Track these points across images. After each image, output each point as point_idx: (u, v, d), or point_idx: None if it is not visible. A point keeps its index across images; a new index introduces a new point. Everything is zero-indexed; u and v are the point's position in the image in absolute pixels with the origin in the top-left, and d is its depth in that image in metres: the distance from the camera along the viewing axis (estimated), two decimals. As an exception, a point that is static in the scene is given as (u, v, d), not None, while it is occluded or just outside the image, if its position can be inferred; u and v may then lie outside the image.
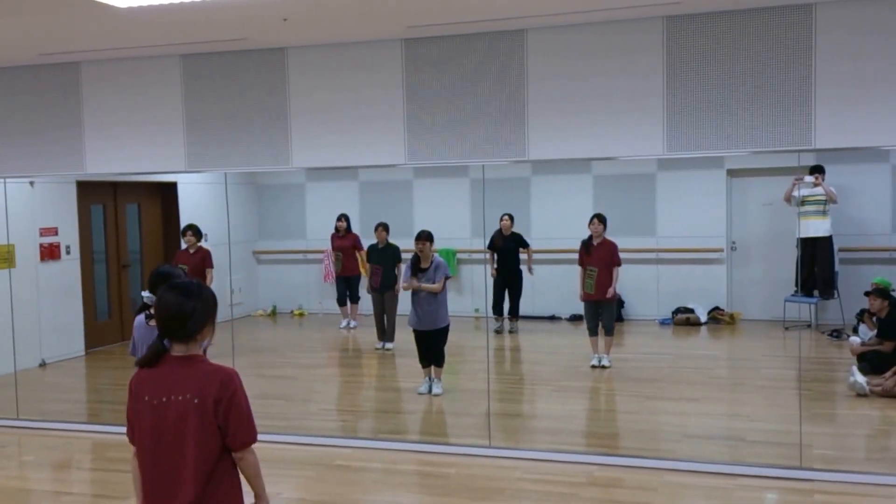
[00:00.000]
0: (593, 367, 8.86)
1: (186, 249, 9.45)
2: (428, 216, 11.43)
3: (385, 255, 9.99)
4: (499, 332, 10.74)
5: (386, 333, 10.05)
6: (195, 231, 9.47)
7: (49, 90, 7.43)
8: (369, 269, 10.15)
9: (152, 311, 4.56)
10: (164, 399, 3.01)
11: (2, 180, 7.90)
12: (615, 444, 6.79)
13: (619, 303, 8.77)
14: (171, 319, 3.05)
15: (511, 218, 10.52)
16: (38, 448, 7.02)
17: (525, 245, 10.53)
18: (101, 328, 10.34)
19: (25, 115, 7.52)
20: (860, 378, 7.65)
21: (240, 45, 6.77)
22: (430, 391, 8.01)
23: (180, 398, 2.99)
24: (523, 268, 10.57)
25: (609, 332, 8.96)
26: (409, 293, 7.98)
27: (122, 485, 6.05)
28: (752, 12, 5.78)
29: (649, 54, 6.02)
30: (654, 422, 7.29)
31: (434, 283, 7.82)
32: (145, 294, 4.67)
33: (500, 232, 10.51)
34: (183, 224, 9.83)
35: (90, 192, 10.20)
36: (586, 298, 8.97)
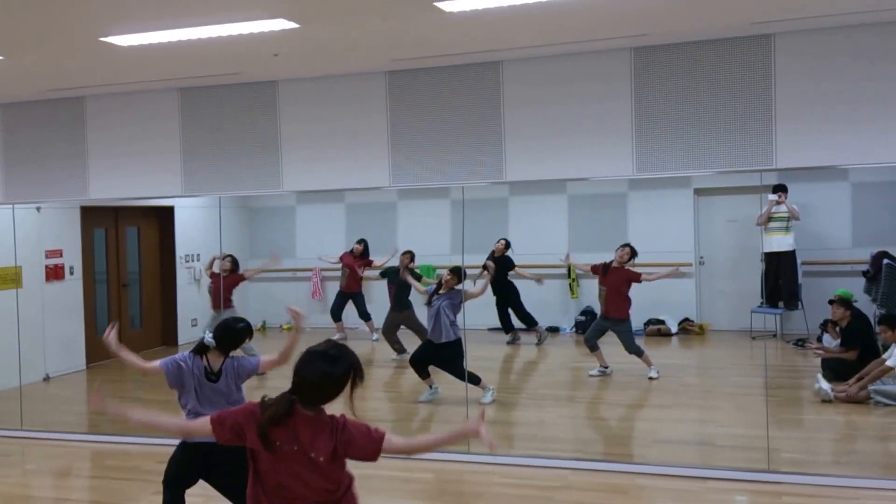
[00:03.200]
0: (591, 375, 8.94)
1: (218, 274, 9.47)
2: (411, 236, 11.45)
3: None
4: (512, 342, 10.80)
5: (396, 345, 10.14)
6: (232, 259, 9.54)
7: (56, 123, 7.49)
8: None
9: (211, 364, 4.50)
10: (291, 448, 3.00)
11: (11, 206, 7.92)
12: (589, 450, 6.79)
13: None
14: (317, 387, 3.00)
15: (506, 243, 10.60)
16: (41, 457, 7.01)
17: (512, 267, 10.59)
18: (102, 344, 10.28)
19: (34, 146, 7.58)
20: (825, 385, 7.67)
21: (234, 79, 6.83)
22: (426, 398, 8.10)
23: (301, 449, 3.00)
24: (515, 282, 10.66)
25: (634, 353, 8.83)
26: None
27: (119, 491, 6.07)
28: (714, 42, 5.87)
29: (619, 82, 6.10)
30: (627, 428, 7.32)
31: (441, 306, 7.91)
32: (208, 337, 4.53)
33: (492, 253, 10.60)
34: (180, 246, 9.82)
35: (93, 217, 10.21)
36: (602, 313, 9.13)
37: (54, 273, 9.62)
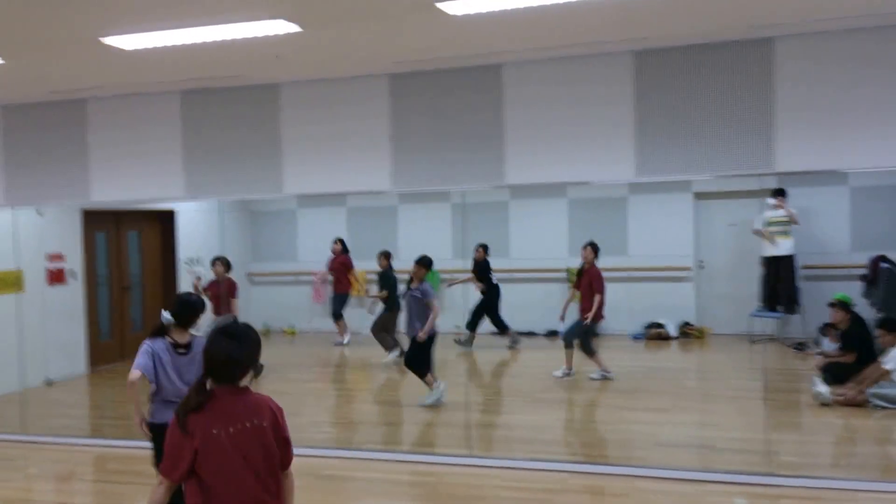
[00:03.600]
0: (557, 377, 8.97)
1: (216, 280, 9.39)
2: (412, 239, 11.44)
3: (391, 279, 10.15)
4: (461, 343, 10.80)
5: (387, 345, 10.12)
6: (224, 262, 9.38)
7: (58, 125, 7.46)
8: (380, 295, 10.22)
9: (177, 339, 4.64)
10: (238, 427, 2.99)
11: (11, 209, 7.89)
12: (590, 453, 6.78)
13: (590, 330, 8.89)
14: (222, 366, 3.03)
15: (484, 248, 10.60)
16: (43, 461, 6.97)
17: (489, 270, 10.62)
18: (104, 348, 10.27)
19: (35, 149, 7.55)
20: (823, 388, 7.66)
21: (235, 82, 6.80)
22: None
23: (253, 423, 3.01)
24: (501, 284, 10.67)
25: (587, 352, 8.98)
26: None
27: (121, 495, 6.03)
28: (715, 46, 5.85)
29: (619, 86, 6.08)
30: (628, 431, 7.29)
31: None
32: (165, 315, 4.66)
33: (475, 261, 10.63)
34: (182, 249, 9.78)
35: (94, 220, 10.18)
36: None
37: (56, 277, 9.58)
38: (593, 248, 8.96)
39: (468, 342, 10.75)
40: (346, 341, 11.29)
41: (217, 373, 3.04)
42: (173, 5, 4.58)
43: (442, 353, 9.44)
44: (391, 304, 9.98)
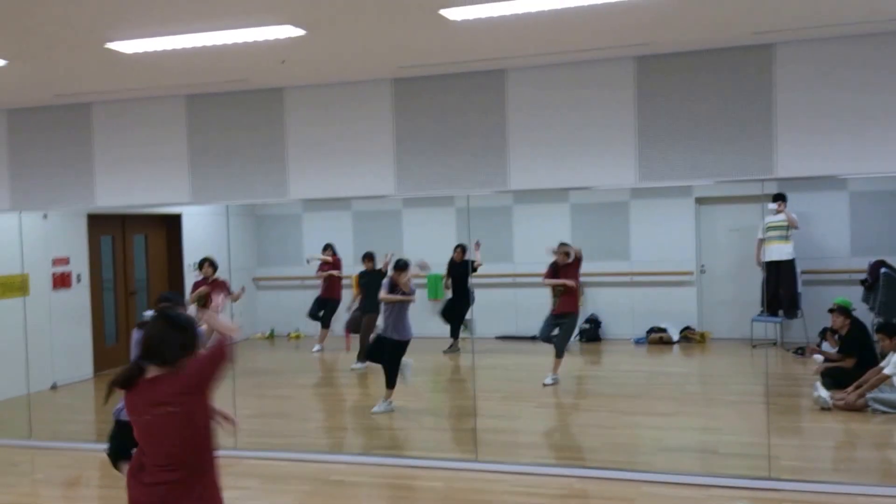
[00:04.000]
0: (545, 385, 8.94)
1: (204, 279, 9.45)
2: (416, 243, 11.43)
3: (379, 278, 10.05)
4: (447, 351, 10.76)
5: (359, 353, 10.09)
6: (211, 263, 9.49)
7: (62, 129, 7.45)
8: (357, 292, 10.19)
9: None
10: (156, 412, 3.12)
11: (17, 213, 7.88)
12: (594, 458, 6.75)
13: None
14: (152, 346, 3.15)
15: (463, 249, 10.58)
16: (49, 466, 6.95)
17: (474, 269, 10.60)
18: (110, 352, 10.25)
19: (40, 153, 7.53)
20: (824, 393, 7.65)
21: (240, 86, 6.80)
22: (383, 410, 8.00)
23: (168, 411, 3.12)
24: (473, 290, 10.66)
25: (560, 352, 9.00)
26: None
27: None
28: (716, 52, 5.85)
29: (621, 91, 6.08)
30: (631, 436, 7.27)
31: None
32: (147, 313, 4.71)
33: (452, 261, 10.59)
34: (188, 253, 9.78)
35: (100, 224, 10.17)
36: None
37: (61, 281, 9.57)
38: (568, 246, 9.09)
39: (452, 348, 10.74)
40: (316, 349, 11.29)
41: (150, 353, 3.16)
42: (180, 11, 4.57)
43: (442, 360, 9.47)
44: (370, 306, 9.93)
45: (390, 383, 7.97)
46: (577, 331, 9.07)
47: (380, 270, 9.90)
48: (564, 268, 9.04)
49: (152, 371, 3.17)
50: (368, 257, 10.19)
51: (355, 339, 10.21)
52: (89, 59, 5.68)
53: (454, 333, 10.70)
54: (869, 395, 7.52)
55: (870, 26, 5.40)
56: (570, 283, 8.93)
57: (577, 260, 9.03)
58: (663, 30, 5.38)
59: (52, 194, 7.52)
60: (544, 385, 8.90)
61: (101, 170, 7.36)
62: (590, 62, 6.12)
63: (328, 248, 11.19)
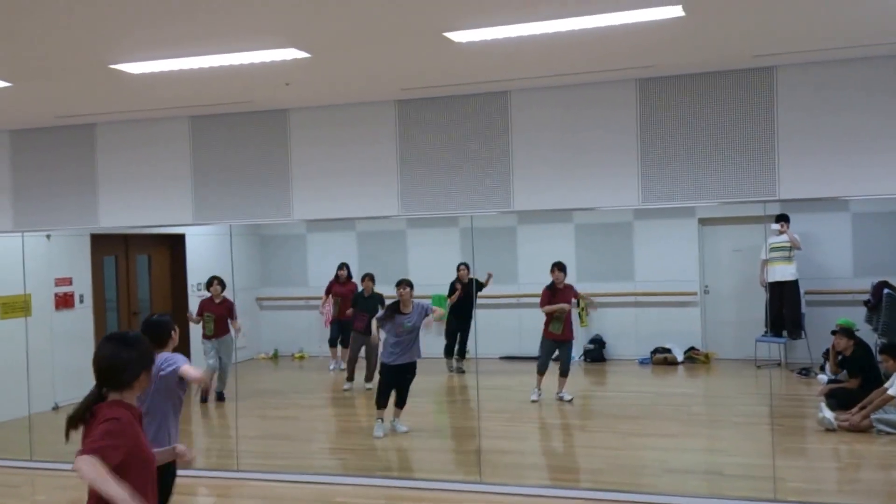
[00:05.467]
0: (532, 401, 8.90)
1: (211, 299, 9.48)
2: (420, 264, 11.42)
3: (370, 303, 10.04)
4: (453, 371, 10.69)
5: (366, 373, 10.04)
6: (220, 282, 9.55)
7: (66, 150, 7.47)
8: (353, 313, 10.17)
9: None
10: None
11: (20, 234, 7.88)
12: (599, 479, 6.70)
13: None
14: (107, 370, 3.04)
15: (467, 267, 10.57)
16: (50, 488, 6.91)
17: (480, 288, 10.59)
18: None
19: (44, 173, 7.55)
20: (828, 414, 7.62)
21: (245, 107, 6.82)
22: (384, 433, 7.89)
23: None
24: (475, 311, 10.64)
25: (566, 372, 9.00)
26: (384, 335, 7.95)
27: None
28: (718, 74, 5.87)
29: (624, 113, 6.09)
30: (636, 457, 7.23)
31: (420, 325, 7.78)
32: None
33: (458, 280, 10.58)
34: (191, 274, 9.78)
35: (103, 244, 10.17)
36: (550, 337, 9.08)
37: (64, 301, 9.56)
38: (562, 266, 9.07)
39: (459, 368, 10.72)
40: (341, 366, 11.26)
41: (104, 378, 3.04)
42: (186, 34, 4.59)
43: (444, 380, 9.42)
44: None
45: (404, 403, 7.92)
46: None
47: (379, 294, 9.93)
48: (562, 290, 9.01)
49: (112, 396, 3.04)
50: (369, 278, 10.20)
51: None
52: (93, 80, 5.70)
53: (460, 353, 10.67)
54: (874, 416, 7.49)
55: (870, 49, 5.42)
56: (567, 307, 8.90)
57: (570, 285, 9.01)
58: (665, 53, 5.40)
59: (55, 215, 7.53)
60: (561, 400, 8.89)
61: (105, 190, 7.38)
62: (593, 84, 6.14)
63: (343, 267, 11.19)
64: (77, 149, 7.44)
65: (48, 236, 9.15)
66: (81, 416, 3.02)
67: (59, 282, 9.52)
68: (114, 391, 3.03)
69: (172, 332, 4.54)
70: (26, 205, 7.62)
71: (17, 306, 8.43)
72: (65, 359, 9.42)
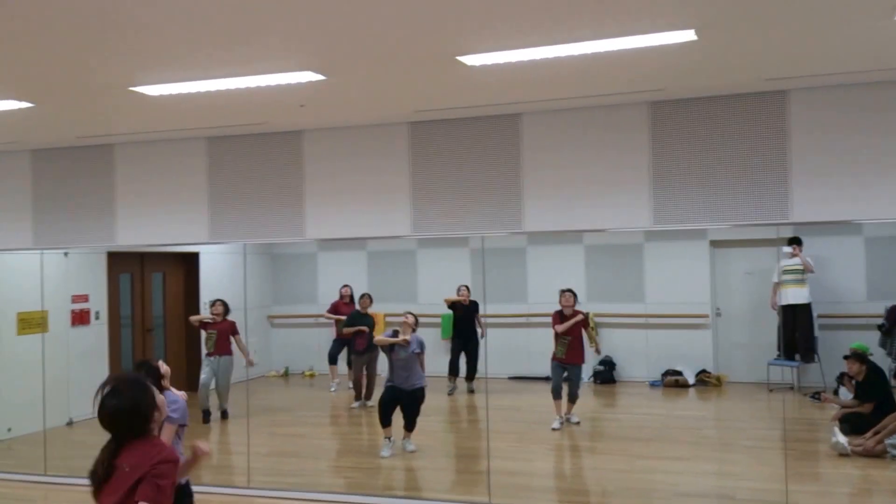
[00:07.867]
0: (554, 429, 8.80)
1: (213, 319, 9.63)
2: (430, 284, 11.44)
3: (367, 320, 10.12)
4: (450, 393, 10.64)
5: (365, 391, 10.08)
6: (224, 304, 9.73)
7: (85, 169, 7.56)
8: (351, 331, 10.21)
9: None
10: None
11: (39, 251, 7.96)
12: (609, 503, 6.68)
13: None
14: (115, 424, 3.09)
15: (468, 289, 10.58)
16: (63, 503, 6.93)
17: (477, 310, 10.58)
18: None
19: (63, 192, 7.64)
20: (842, 438, 7.55)
21: (260, 129, 6.89)
22: (390, 453, 7.88)
23: (124, 470, 3.05)
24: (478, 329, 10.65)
25: (575, 398, 8.92)
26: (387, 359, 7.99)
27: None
28: (730, 98, 5.88)
29: (636, 135, 6.11)
30: (647, 480, 7.18)
31: (415, 352, 7.84)
32: None
33: (460, 301, 10.59)
34: (205, 291, 9.85)
35: (119, 262, 10.26)
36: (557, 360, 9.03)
37: (80, 318, 9.63)
38: (574, 294, 9.00)
39: (469, 388, 10.70)
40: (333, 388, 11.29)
41: (113, 432, 3.08)
42: (205, 58, 4.66)
43: (452, 399, 9.37)
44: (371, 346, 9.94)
45: (412, 427, 7.94)
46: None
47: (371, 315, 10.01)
48: (572, 318, 8.97)
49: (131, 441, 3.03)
50: (367, 296, 10.28)
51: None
52: (114, 102, 5.79)
53: (469, 373, 10.66)
54: (888, 441, 7.41)
55: (882, 74, 5.43)
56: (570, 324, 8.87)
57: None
58: (678, 77, 5.42)
59: (73, 233, 7.61)
60: (569, 422, 8.86)
61: (123, 209, 7.45)
62: (605, 107, 6.17)
63: (347, 286, 11.25)
64: (96, 168, 7.53)
65: (66, 253, 9.24)
66: (105, 475, 3.07)
67: (76, 298, 9.59)
68: (139, 436, 3.05)
69: (161, 371, 4.50)
70: (46, 222, 7.71)
71: (35, 322, 8.50)
72: (80, 374, 9.48)
